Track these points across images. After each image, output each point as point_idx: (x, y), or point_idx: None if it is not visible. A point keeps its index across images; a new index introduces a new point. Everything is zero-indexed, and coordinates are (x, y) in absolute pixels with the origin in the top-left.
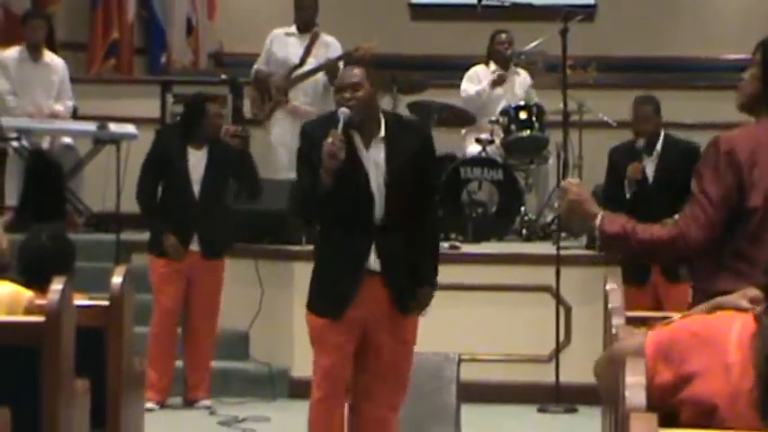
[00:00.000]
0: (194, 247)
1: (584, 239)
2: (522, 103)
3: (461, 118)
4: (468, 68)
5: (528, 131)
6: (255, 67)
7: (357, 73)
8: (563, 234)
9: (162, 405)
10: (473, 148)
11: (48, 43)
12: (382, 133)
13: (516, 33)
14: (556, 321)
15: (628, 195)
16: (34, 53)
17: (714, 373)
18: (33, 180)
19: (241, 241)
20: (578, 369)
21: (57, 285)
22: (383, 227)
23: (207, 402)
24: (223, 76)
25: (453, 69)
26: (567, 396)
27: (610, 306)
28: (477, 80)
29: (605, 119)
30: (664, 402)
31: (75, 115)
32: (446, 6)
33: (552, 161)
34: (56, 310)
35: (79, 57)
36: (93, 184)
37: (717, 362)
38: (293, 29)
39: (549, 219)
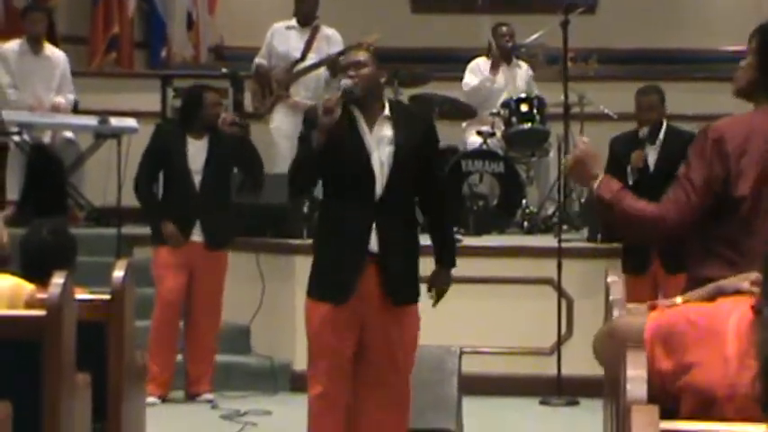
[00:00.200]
0: (197, 237)
1: (585, 232)
2: (523, 95)
3: (463, 111)
4: (469, 61)
5: (529, 124)
6: (256, 61)
7: (362, 53)
8: (564, 226)
9: (164, 399)
10: (474, 141)
11: (49, 37)
12: (387, 112)
13: (517, 26)
14: (557, 314)
15: (630, 182)
16: (35, 46)
17: (712, 365)
18: (34, 174)
19: (242, 235)
20: (580, 361)
21: (58, 279)
22: (384, 207)
23: (209, 396)
24: (224, 70)
25: (455, 62)
26: (568, 389)
27: (611, 298)
28: (478, 72)
29: (606, 111)
30: (664, 389)
31: (77, 109)
32: None
33: (553, 154)
34: (57, 304)
35: (80, 51)
36: (95, 179)
37: (715, 353)
38: (294, 22)
39: (550, 211)
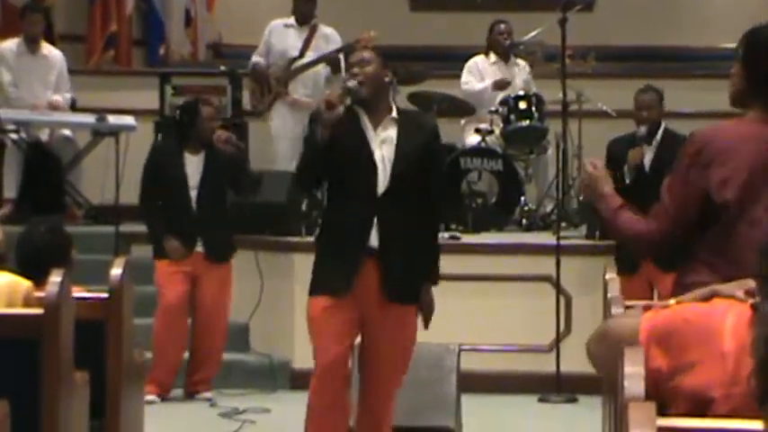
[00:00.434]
0: (200, 248)
1: (583, 229)
2: (521, 93)
3: (461, 108)
4: (467, 59)
5: (527, 121)
6: (254, 58)
7: (367, 52)
8: (563, 224)
9: (163, 398)
10: (473, 139)
11: (46, 35)
12: (394, 115)
13: (515, 23)
14: (556, 311)
15: (627, 181)
16: (32, 45)
17: (709, 363)
18: (32, 172)
19: (241, 233)
20: (579, 359)
21: (55, 277)
22: (386, 204)
23: (208, 394)
24: (222, 68)
25: (453, 60)
26: (567, 386)
27: (609, 295)
28: (476, 71)
29: (604, 108)
30: (657, 388)
31: (74, 107)
32: None
33: (551, 151)
34: (55, 302)
35: (78, 48)
36: (92, 176)
37: (712, 351)
38: (292, 20)
39: (548, 209)
